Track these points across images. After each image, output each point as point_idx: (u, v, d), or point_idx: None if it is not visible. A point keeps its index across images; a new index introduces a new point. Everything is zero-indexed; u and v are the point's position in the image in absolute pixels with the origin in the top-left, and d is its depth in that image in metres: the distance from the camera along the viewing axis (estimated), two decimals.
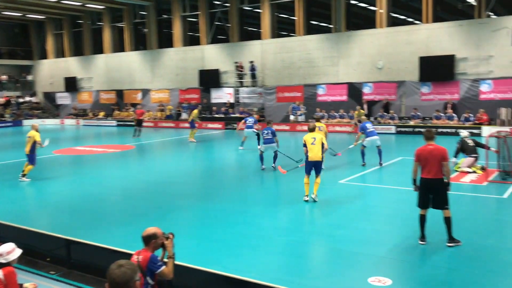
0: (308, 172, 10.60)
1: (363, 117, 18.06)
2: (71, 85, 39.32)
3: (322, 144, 10.49)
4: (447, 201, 7.49)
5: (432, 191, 7.54)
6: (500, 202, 10.59)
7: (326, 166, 13.59)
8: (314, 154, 10.41)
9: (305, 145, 10.57)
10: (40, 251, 7.33)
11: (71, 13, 38.13)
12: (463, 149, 13.69)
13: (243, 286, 5.56)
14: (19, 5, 34.25)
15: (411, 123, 24.41)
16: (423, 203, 7.63)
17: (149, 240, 4.65)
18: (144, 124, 28.82)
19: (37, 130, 14.03)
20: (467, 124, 22.87)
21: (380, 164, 14.56)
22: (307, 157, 10.52)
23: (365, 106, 25.90)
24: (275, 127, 19.28)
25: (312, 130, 10.83)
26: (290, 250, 7.76)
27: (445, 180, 7.48)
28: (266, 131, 14.79)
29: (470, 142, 13.69)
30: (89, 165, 17.59)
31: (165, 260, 4.78)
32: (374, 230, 8.71)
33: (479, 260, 6.94)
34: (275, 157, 14.74)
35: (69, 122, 37.97)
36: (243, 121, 19.99)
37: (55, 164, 17.70)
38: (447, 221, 7.45)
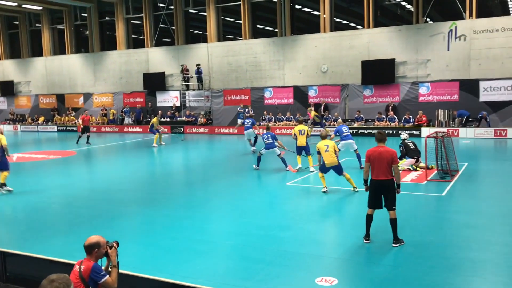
0: (325, 172, 11.37)
1: (339, 120, 18.34)
2: (7, 89, 37.53)
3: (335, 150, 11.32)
4: (395, 202, 7.68)
5: (382, 192, 7.72)
6: (439, 200, 11.05)
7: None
8: (331, 160, 11.23)
9: (319, 153, 11.32)
10: None
11: (6, 14, 36.39)
12: (406, 151, 14.32)
13: None
14: None
15: (355, 125, 25.07)
16: (371, 203, 7.81)
17: (92, 249, 4.50)
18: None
19: (1, 133, 12.59)
20: (408, 125, 23.80)
21: (361, 167, 14.39)
22: (323, 163, 11.31)
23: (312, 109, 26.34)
24: (222, 130, 19.32)
25: (324, 137, 11.53)
26: (237, 253, 7.72)
27: (396, 182, 7.69)
28: (266, 136, 14.90)
29: (411, 145, 14.42)
30: (28, 172, 16.79)
31: (109, 269, 4.62)
32: (319, 230, 8.85)
33: (420, 257, 7.19)
34: (284, 162, 14.77)
35: (6, 128, 36.03)
36: (240, 122, 19.99)
37: None
38: (393, 222, 7.64)
